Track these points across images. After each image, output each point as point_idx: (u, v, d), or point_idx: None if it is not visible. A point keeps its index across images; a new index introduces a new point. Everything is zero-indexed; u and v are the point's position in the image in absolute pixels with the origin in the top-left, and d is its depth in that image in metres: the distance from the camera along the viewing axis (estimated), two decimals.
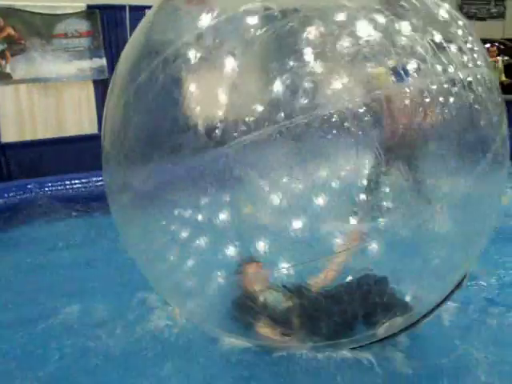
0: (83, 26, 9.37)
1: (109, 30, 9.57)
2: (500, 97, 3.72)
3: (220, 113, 3.34)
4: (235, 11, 3.55)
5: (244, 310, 3.77)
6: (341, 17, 3.39)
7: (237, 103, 3.40)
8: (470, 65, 3.54)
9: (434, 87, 3.37)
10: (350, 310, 3.69)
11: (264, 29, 3.37)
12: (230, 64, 3.48)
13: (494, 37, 14.24)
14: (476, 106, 3.47)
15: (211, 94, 3.48)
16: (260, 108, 3.29)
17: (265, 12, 3.42)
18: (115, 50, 9.57)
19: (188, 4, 3.96)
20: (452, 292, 3.83)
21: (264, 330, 3.78)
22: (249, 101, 3.35)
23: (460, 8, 14.76)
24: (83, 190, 8.27)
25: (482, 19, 16.55)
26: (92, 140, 9.49)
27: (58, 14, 9.22)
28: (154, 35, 3.91)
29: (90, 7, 9.37)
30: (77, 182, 8.22)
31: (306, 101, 3.25)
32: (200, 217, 3.54)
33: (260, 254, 3.51)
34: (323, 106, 3.26)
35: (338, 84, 3.34)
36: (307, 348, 3.80)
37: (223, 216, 3.52)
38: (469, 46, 3.61)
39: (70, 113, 9.65)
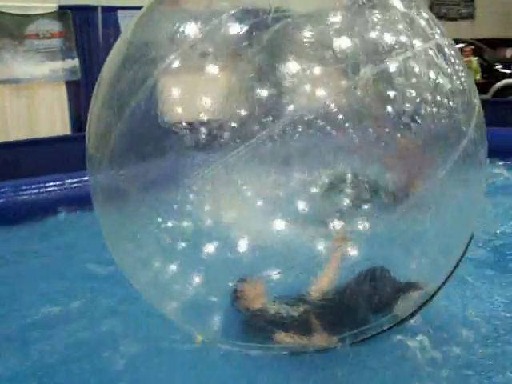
0: (55, 26, 9.31)
1: (81, 30, 9.52)
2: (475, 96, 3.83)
3: (205, 116, 3.39)
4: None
5: (257, 328, 3.82)
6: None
7: (223, 107, 3.44)
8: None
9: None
10: (361, 302, 3.76)
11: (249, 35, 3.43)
12: (212, 68, 3.50)
13: (464, 37, 14.41)
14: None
15: (195, 98, 3.51)
16: (246, 112, 3.36)
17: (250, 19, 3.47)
18: (88, 51, 9.56)
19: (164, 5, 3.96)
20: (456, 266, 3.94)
21: (284, 339, 3.82)
22: (235, 104, 3.40)
23: (431, 8, 14.93)
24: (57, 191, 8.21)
25: (453, 19, 16.78)
26: (65, 141, 9.50)
27: (29, 15, 9.15)
28: (137, 40, 3.89)
29: (61, 8, 9.31)
30: (51, 183, 8.15)
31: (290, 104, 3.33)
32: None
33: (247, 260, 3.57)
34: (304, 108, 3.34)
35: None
36: (334, 343, 3.83)
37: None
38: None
39: (43, 114, 9.58)
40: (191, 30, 3.63)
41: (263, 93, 3.33)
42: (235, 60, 3.56)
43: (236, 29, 3.48)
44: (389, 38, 3.47)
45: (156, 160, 3.42)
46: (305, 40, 3.40)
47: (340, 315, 3.76)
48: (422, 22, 3.65)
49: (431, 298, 3.96)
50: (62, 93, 9.59)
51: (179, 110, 3.58)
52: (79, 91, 9.63)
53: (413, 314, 3.96)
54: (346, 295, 3.73)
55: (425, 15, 3.74)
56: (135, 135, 3.54)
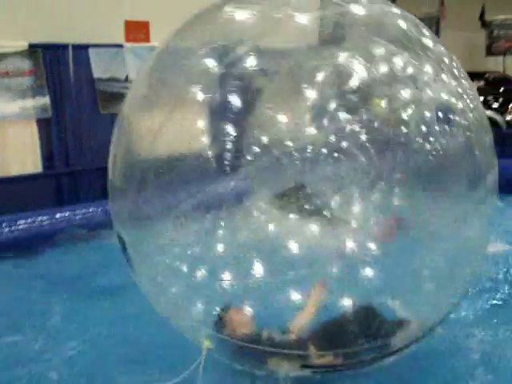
0: (26, 64, 9.30)
1: (52, 68, 9.50)
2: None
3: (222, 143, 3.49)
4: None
5: (249, 353, 3.81)
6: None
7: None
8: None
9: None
10: (353, 333, 3.77)
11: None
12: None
13: None
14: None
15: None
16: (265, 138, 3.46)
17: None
18: (59, 89, 9.54)
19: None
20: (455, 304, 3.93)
21: (278, 365, 3.80)
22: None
23: None
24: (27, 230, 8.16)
25: None
26: (36, 179, 9.45)
27: None
28: (155, 76, 4.03)
29: (32, 46, 9.31)
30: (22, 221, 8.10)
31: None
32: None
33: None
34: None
35: None
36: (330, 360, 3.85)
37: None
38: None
39: (14, 152, 9.50)
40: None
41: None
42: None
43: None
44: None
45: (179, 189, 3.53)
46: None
47: (334, 342, 3.77)
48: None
49: (425, 335, 3.97)
50: (32, 130, 9.52)
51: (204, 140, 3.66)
52: (50, 129, 9.60)
53: (406, 346, 3.96)
54: (339, 326, 3.76)
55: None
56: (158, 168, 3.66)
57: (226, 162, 3.53)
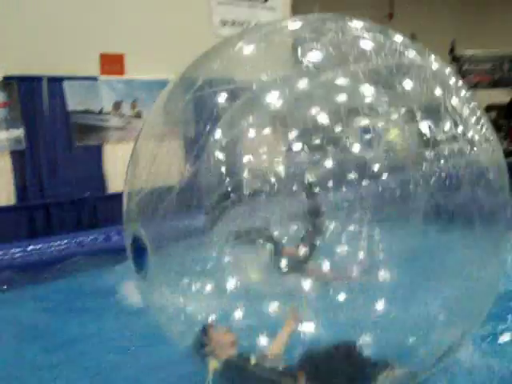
0: (0, 96, 9.28)
1: (26, 100, 9.48)
2: None
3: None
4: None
5: (233, 378, 3.76)
6: None
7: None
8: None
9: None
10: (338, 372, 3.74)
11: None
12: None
13: None
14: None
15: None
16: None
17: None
18: (33, 121, 9.51)
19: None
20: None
21: None
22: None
23: None
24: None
25: None
26: (9, 212, 9.35)
27: None
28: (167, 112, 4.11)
29: (6, 78, 9.29)
30: None
31: None
32: None
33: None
34: None
35: None
36: None
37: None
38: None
39: None
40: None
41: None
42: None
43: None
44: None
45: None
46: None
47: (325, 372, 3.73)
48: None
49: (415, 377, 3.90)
50: (6, 162, 9.46)
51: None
52: (24, 161, 9.54)
53: None
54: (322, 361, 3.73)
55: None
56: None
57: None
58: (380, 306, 3.62)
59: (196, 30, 11.34)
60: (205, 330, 3.80)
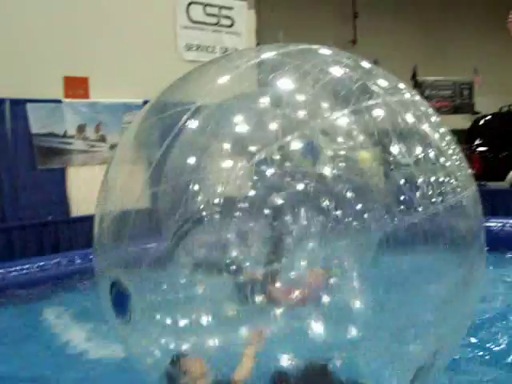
0: None
1: None
2: None
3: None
4: None
5: None
6: None
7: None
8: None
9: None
10: None
11: None
12: None
13: None
14: None
15: None
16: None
17: None
18: None
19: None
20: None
21: None
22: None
23: None
24: None
25: None
26: None
27: None
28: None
29: None
30: None
31: None
32: None
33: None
34: None
35: None
36: None
37: None
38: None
39: None
40: None
41: None
42: None
43: None
44: None
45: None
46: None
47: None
48: None
49: None
50: None
51: None
52: None
53: None
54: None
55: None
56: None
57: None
58: (348, 328, 3.63)
59: (161, 54, 11.39)
60: (175, 360, 3.77)
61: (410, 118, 3.76)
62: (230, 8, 12.77)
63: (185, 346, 3.79)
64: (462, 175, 3.82)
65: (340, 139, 3.63)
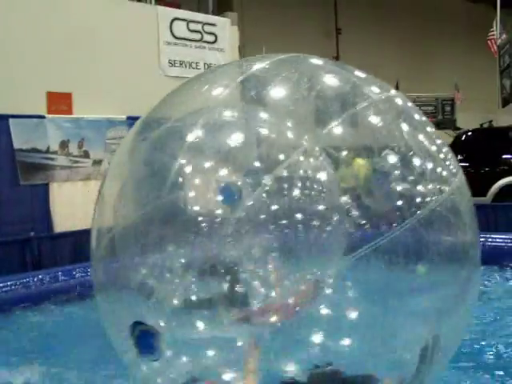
0: None
1: None
2: None
3: None
4: None
5: None
6: None
7: None
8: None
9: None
10: None
11: None
12: None
13: None
14: None
15: None
16: None
17: None
18: None
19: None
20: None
21: None
22: None
23: None
24: None
25: None
26: None
27: None
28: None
29: None
30: None
31: None
32: None
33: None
34: None
35: None
36: None
37: None
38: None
39: None
40: None
41: None
42: None
43: None
44: None
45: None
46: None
47: None
48: None
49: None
50: None
51: None
52: None
53: None
54: None
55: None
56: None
57: None
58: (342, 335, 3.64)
59: (144, 70, 11.42)
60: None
61: (405, 127, 3.75)
62: (213, 24, 12.85)
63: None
64: (456, 182, 3.76)
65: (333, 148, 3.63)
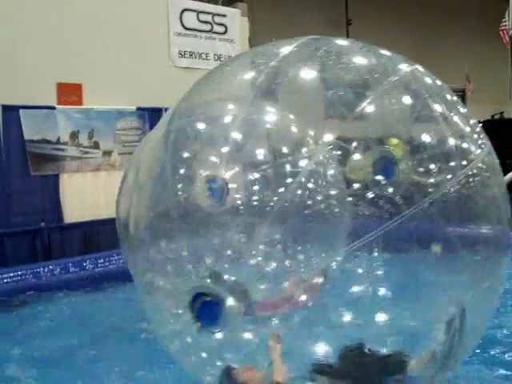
0: None
1: None
2: None
3: None
4: None
5: None
6: None
7: None
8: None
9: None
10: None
11: None
12: None
13: None
14: None
15: None
16: None
17: None
18: None
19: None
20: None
21: None
22: None
23: None
24: None
25: None
26: None
27: None
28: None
29: None
30: None
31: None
32: None
33: None
34: None
35: None
36: None
37: None
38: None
39: None
40: None
41: None
42: None
43: None
44: None
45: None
46: None
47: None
48: None
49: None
50: None
51: None
52: None
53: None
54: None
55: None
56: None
57: None
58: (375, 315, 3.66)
59: (154, 61, 11.41)
60: (228, 372, 3.77)
61: (439, 107, 3.75)
62: (223, 15, 12.82)
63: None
64: (492, 165, 3.79)
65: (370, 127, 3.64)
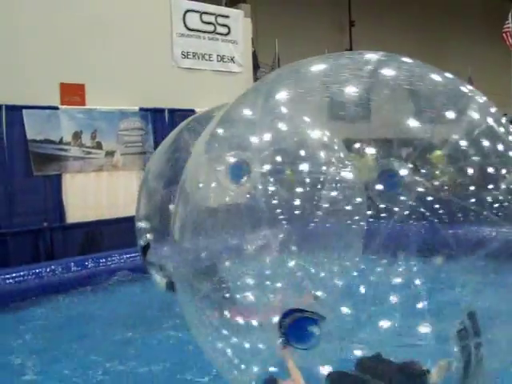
0: None
1: None
2: None
3: None
4: None
5: None
6: None
7: None
8: None
9: None
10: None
11: None
12: None
13: None
14: None
15: None
16: None
17: None
18: None
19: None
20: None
21: None
22: None
23: None
24: None
25: None
26: None
27: None
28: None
29: None
30: None
31: None
32: None
33: None
34: None
35: None
36: None
37: None
38: None
39: None
40: None
41: None
42: None
43: None
44: None
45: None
46: None
47: None
48: None
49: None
50: None
51: None
52: None
53: None
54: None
55: None
56: None
57: None
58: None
59: (157, 62, 11.43)
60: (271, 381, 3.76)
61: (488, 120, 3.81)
62: (226, 16, 12.84)
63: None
64: None
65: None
